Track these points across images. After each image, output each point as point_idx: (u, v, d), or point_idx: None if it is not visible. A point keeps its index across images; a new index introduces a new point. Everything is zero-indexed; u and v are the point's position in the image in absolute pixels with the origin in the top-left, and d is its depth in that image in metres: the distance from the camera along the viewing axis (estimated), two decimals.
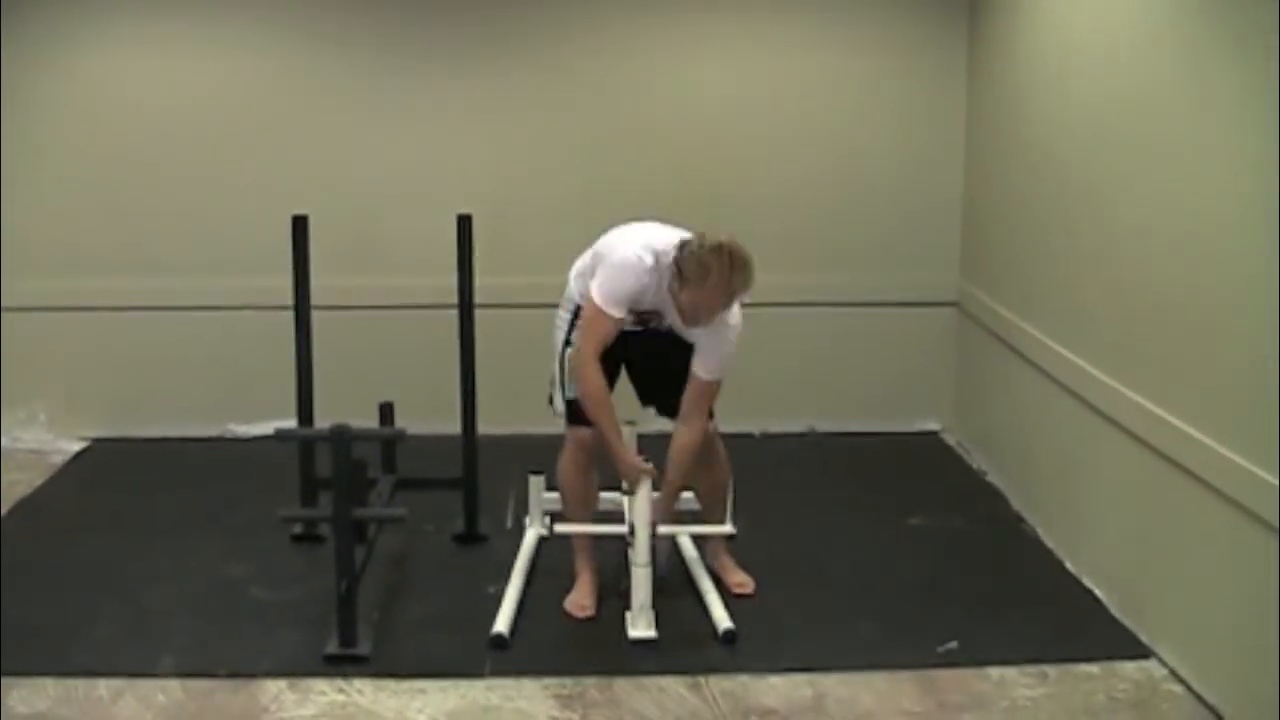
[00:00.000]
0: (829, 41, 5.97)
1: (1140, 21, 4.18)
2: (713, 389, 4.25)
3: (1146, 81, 4.12)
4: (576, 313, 4.28)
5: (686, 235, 4.11)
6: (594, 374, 4.13)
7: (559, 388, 4.37)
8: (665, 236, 4.16)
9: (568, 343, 4.30)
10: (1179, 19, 3.94)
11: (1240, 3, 3.55)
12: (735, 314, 4.19)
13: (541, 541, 4.71)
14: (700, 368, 4.21)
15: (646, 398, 4.50)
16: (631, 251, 4.12)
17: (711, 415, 4.34)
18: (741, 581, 4.48)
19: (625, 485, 4.30)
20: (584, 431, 4.31)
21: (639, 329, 4.27)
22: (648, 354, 4.34)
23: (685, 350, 4.24)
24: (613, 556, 4.54)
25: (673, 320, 4.21)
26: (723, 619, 4.16)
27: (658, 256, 4.10)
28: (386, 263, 5.95)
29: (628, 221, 4.30)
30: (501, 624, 4.13)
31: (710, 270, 3.97)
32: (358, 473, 4.14)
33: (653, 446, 5.24)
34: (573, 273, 4.38)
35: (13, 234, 5.86)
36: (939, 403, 6.20)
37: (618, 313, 4.10)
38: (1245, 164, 3.49)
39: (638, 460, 4.26)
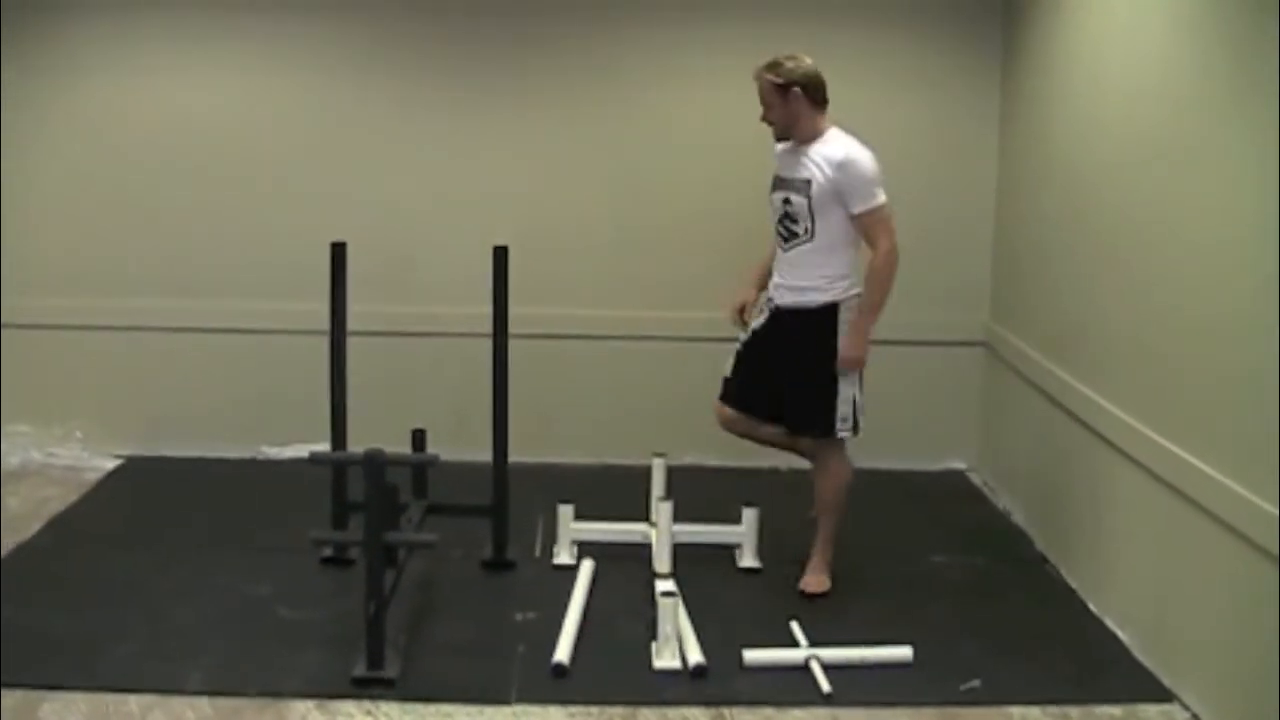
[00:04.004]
0: (860, 77, 5.99)
1: (1172, 59, 4.21)
2: (872, 218, 4.55)
3: (1179, 122, 4.14)
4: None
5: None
6: None
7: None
8: None
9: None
10: (1210, 56, 3.97)
11: (1268, 37, 3.58)
12: (838, 148, 4.57)
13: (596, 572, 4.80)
14: (852, 207, 4.55)
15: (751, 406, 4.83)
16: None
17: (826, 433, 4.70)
18: (810, 582, 4.72)
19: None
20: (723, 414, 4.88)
21: (784, 238, 4.68)
22: (784, 379, 4.70)
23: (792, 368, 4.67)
24: (642, 588, 4.59)
25: (795, 167, 4.65)
26: (694, 653, 4.17)
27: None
28: (422, 290, 6.01)
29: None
30: (562, 653, 4.16)
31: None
32: (389, 497, 4.18)
33: (681, 477, 5.31)
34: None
35: (53, 253, 5.96)
36: (965, 442, 6.22)
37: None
38: (1276, 209, 3.51)
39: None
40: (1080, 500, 4.89)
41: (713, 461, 5.93)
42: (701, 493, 5.26)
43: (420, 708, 3.87)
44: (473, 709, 3.87)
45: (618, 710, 3.89)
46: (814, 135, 4.61)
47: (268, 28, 5.90)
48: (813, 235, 4.58)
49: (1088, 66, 4.95)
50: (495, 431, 4.85)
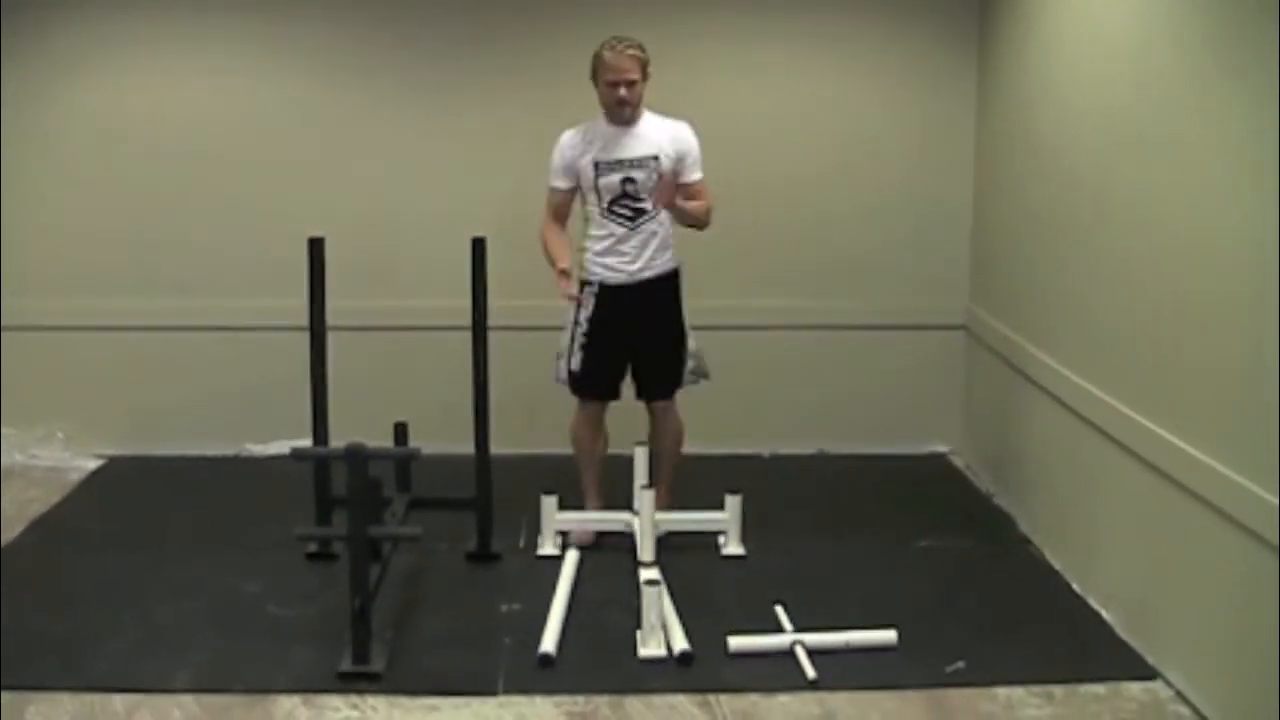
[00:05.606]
0: (837, 66, 6.02)
1: (1146, 43, 4.22)
2: (703, 183, 4.92)
3: (1156, 104, 4.15)
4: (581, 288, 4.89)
5: None
6: (547, 231, 4.92)
7: (565, 358, 4.95)
8: None
9: (576, 323, 4.90)
10: (1183, 39, 3.98)
11: (1243, 18, 3.60)
12: (670, 123, 4.89)
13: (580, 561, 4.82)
14: (690, 175, 4.89)
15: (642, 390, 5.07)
16: (563, 137, 4.91)
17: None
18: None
19: None
20: (590, 407, 5.03)
21: (628, 218, 4.85)
22: (648, 347, 4.97)
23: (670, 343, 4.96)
24: (627, 577, 4.60)
25: (633, 146, 4.84)
26: (680, 641, 4.18)
27: (586, 124, 4.90)
28: (401, 284, 6.00)
29: None
30: (548, 643, 4.17)
31: (598, 55, 4.77)
32: (373, 491, 4.18)
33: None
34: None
35: (33, 254, 5.93)
36: (947, 426, 6.23)
37: (560, 183, 4.89)
38: (1257, 186, 3.52)
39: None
40: (1064, 482, 4.91)
41: (694, 449, 5.93)
42: (684, 481, 5.26)
43: (407, 701, 3.88)
44: (459, 701, 3.88)
45: (604, 699, 3.90)
46: (639, 114, 4.88)
47: (247, 28, 5.87)
48: (658, 209, 4.82)
49: (1065, 50, 4.95)
50: (477, 424, 4.85)
